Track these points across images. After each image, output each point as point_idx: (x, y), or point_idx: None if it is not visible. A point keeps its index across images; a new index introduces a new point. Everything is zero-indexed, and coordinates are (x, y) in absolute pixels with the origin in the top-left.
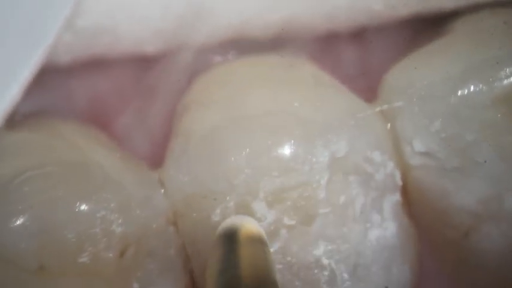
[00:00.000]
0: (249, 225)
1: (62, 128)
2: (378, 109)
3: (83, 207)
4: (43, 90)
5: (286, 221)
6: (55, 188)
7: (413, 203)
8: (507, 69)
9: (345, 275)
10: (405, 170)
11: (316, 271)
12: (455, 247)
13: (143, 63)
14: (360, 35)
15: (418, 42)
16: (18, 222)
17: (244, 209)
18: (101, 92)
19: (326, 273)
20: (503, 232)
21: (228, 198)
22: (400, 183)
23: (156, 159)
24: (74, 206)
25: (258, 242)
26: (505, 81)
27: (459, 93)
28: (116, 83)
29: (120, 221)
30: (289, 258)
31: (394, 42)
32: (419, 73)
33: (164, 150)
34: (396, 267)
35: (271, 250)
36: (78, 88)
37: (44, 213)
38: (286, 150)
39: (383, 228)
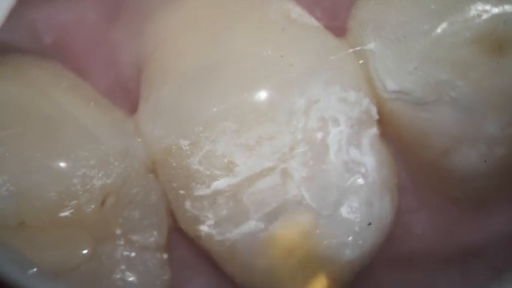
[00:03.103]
0: None
1: (30, 71)
2: (350, 50)
3: (62, 166)
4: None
5: (266, 164)
6: (30, 149)
7: (391, 132)
8: (479, 9)
9: (326, 213)
10: (380, 103)
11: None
12: (434, 167)
13: None
14: None
15: None
16: None
17: (224, 157)
18: (62, 21)
19: (308, 212)
20: (481, 153)
21: (206, 147)
22: (376, 117)
23: (129, 95)
24: (52, 166)
25: None
26: (478, 21)
27: (432, 34)
28: (77, 11)
29: (99, 175)
30: (270, 202)
31: None
32: (390, 11)
33: (136, 86)
34: (377, 202)
35: (250, 191)
36: (39, 19)
37: (20, 175)
38: (263, 100)
39: (362, 163)
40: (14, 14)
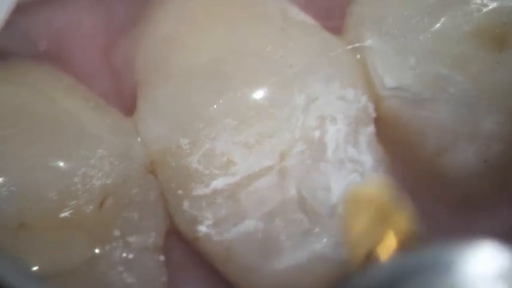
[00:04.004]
0: None
1: (29, 74)
2: (349, 47)
3: (63, 166)
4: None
5: (265, 162)
6: (30, 149)
7: (387, 129)
8: (479, 3)
9: (325, 212)
10: (378, 100)
11: (295, 212)
12: (429, 165)
13: None
14: None
15: None
16: None
17: (223, 156)
18: (58, 27)
19: (306, 213)
20: (478, 151)
21: (206, 145)
22: (373, 114)
23: (126, 99)
24: (53, 166)
25: None
26: (477, 15)
27: (432, 29)
28: (73, 15)
29: (99, 175)
30: (268, 201)
31: None
32: (389, 7)
33: (133, 89)
34: None
35: (249, 190)
36: (35, 25)
37: (21, 174)
38: (263, 97)
39: (359, 162)
40: (9, 20)
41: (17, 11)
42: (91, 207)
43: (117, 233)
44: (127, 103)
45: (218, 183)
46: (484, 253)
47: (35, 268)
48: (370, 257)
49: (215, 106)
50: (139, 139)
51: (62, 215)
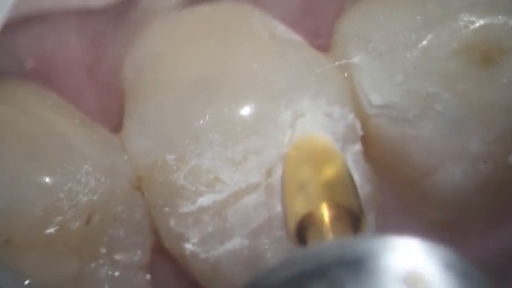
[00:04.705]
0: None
1: (16, 92)
2: (336, 63)
3: (48, 181)
4: None
5: (252, 179)
6: (16, 164)
7: (374, 149)
8: (467, 20)
9: None
10: (365, 119)
11: (281, 229)
12: (416, 187)
13: (87, 16)
14: None
15: None
16: None
17: (209, 172)
18: (45, 47)
19: None
20: (465, 171)
21: (192, 161)
22: (360, 133)
23: (112, 117)
24: (39, 181)
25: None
26: (465, 32)
27: (419, 46)
28: (61, 35)
29: (85, 190)
30: (255, 218)
31: None
32: (376, 24)
33: (119, 108)
34: None
35: (236, 207)
36: (22, 44)
37: (7, 189)
38: (250, 113)
39: None
40: None
41: (4, 30)
42: (77, 224)
43: (103, 250)
44: (113, 121)
45: (204, 200)
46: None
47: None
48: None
49: (201, 121)
50: (125, 155)
51: (48, 231)
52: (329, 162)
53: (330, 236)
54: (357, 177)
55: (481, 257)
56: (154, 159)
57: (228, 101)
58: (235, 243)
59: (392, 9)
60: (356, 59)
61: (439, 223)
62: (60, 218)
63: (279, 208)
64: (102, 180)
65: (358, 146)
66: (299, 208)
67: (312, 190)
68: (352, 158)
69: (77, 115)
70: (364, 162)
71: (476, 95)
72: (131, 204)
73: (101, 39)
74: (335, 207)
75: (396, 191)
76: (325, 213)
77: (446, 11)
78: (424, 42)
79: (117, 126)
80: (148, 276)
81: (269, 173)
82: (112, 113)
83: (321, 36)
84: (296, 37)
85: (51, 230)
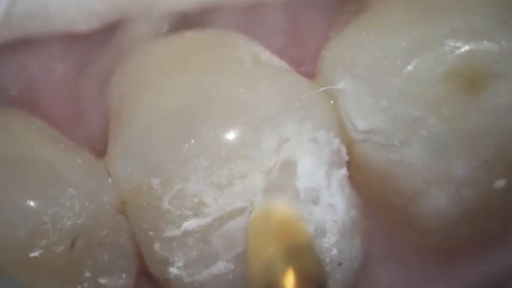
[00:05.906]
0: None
1: (0, 117)
2: (322, 89)
3: (33, 205)
4: None
5: (237, 204)
6: (2, 187)
7: (359, 174)
8: (452, 45)
9: None
10: (350, 144)
11: None
12: (402, 212)
13: (73, 42)
14: (286, 3)
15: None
16: None
17: (194, 197)
18: (30, 73)
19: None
20: (450, 197)
21: (177, 186)
22: (346, 158)
23: (96, 142)
24: (23, 205)
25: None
26: (450, 57)
27: (404, 71)
28: (46, 62)
29: (70, 214)
30: (239, 243)
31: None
32: (362, 50)
33: (103, 133)
34: (347, 242)
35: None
36: (7, 71)
37: None
38: (235, 137)
39: (332, 205)
40: None
41: None
42: (61, 248)
43: (88, 274)
44: (97, 146)
45: (189, 224)
46: None
47: None
48: None
49: (186, 146)
50: (110, 180)
51: (32, 254)
52: (292, 231)
53: None
54: (341, 202)
55: (466, 284)
56: (139, 184)
57: (213, 126)
58: (220, 267)
59: (377, 36)
60: (341, 85)
61: (425, 249)
62: (45, 241)
63: None
64: (86, 204)
65: (343, 171)
66: (263, 276)
67: (276, 259)
68: (337, 183)
69: (61, 140)
70: (349, 187)
71: (460, 120)
72: (116, 228)
73: (85, 65)
74: (299, 275)
75: (381, 215)
76: (289, 281)
77: (431, 37)
78: (409, 68)
79: (101, 151)
80: None
81: (254, 198)
82: (96, 138)
83: (305, 64)
84: (281, 63)
85: (35, 254)
